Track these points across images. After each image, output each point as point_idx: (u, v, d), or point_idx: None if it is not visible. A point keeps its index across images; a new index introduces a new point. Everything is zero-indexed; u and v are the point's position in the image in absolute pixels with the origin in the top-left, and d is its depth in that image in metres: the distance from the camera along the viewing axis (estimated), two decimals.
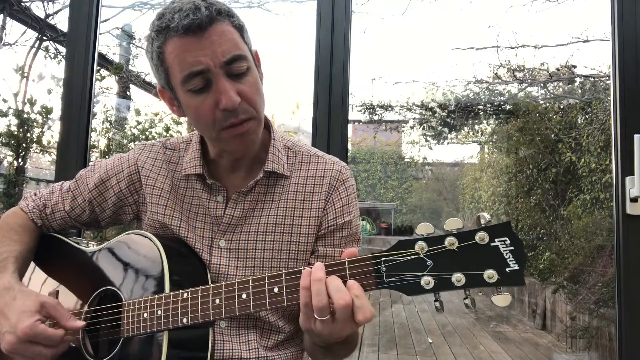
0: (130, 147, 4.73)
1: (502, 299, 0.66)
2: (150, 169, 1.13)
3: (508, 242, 0.66)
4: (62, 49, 4.18)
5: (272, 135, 1.09)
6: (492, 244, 0.66)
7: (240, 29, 0.96)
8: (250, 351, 1.03)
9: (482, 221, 0.67)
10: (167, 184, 1.11)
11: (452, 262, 0.67)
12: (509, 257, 0.66)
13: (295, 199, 1.05)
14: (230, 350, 1.02)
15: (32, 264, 1.16)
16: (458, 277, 0.67)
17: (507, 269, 0.65)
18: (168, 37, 0.90)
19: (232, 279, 1.03)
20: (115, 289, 1.01)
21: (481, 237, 0.66)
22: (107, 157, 1.25)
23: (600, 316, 3.89)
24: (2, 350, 0.92)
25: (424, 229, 0.70)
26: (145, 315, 0.92)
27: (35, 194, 1.20)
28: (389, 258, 0.71)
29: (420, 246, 0.69)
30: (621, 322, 1.80)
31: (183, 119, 4.77)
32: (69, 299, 1.07)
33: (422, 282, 0.68)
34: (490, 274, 0.65)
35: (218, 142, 1.01)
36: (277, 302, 0.79)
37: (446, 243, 0.68)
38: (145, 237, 1.01)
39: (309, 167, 1.08)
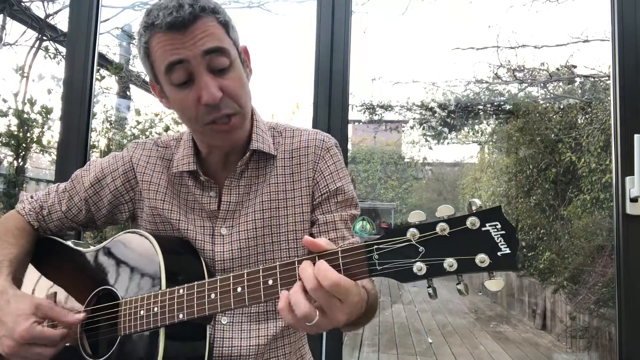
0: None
1: (494, 284, 0.66)
2: (145, 166, 1.14)
3: (499, 226, 0.66)
4: (62, 49, 4.18)
5: (255, 118, 1.11)
6: (483, 229, 0.66)
7: (226, 25, 0.97)
8: (251, 348, 1.03)
9: (474, 207, 0.67)
10: (164, 179, 1.12)
11: (443, 248, 0.68)
12: (500, 241, 0.65)
13: (285, 174, 1.08)
14: (230, 348, 1.02)
15: (30, 267, 1.15)
16: (450, 263, 0.67)
17: (499, 253, 0.65)
18: (153, 34, 0.93)
19: (239, 262, 1.04)
20: (113, 288, 1.01)
21: (472, 222, 0.67)
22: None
23: (600, 316, 3.89)
24: (2, 354, 0.92)
25: (416, 216, 0.71)
26: (142, 312, 0.92)
27: (31, 197, 1.20)
28: (381, 246, 0.71)
29: (412, 233, 0.69)
30: (621, 322, 1.80)
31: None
32: (67, 300, 1.07)
33: (415, 269, 0.68)
34: (482, 258, 0.65)
35: (203, 136, 1.03)
36: (271, 295, 0.79)
37: (437, 229, 0.68)
38: (142, 235, 1.02)
39: (293, 141, 1.11)
